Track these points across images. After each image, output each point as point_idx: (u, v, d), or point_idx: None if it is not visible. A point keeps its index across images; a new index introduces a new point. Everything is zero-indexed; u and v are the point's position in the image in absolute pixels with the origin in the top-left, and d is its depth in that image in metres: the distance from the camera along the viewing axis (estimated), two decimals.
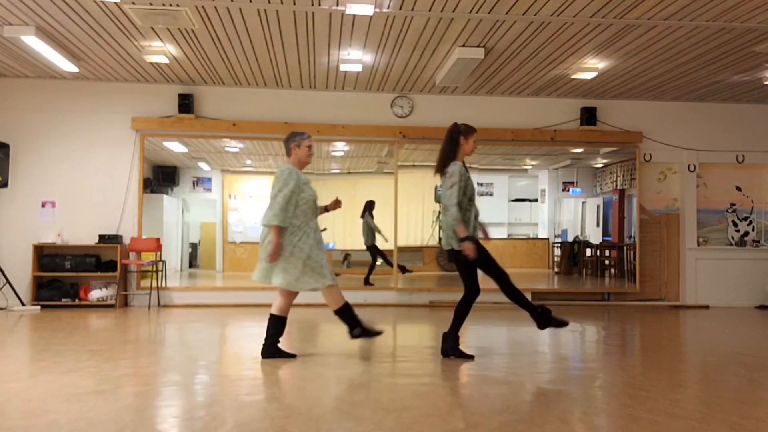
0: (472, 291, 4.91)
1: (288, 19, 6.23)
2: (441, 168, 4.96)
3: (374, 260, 10.23)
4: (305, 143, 4.88)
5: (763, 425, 3.23)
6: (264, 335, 4.86)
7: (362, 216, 10.54)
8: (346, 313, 4.88)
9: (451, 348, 4.94)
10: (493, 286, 5.00)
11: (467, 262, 4.83)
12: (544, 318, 4.91)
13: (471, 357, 4.94)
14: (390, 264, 9.69)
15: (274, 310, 4.85)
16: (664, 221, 9.48)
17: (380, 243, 10.30)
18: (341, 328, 5.03)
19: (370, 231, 10.44)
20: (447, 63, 7.42)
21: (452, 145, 4.94)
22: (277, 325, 4.85)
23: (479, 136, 9.56)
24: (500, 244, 14.11)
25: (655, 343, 6.14)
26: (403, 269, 9.99)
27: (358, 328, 4.90)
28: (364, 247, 10.53)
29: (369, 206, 10.51)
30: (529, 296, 9.09)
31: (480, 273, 4.93)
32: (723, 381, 4.31)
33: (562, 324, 4.94)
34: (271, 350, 4.83)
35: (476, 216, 4.92)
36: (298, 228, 4.72)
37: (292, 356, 4.87)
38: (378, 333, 5.00)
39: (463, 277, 4.93)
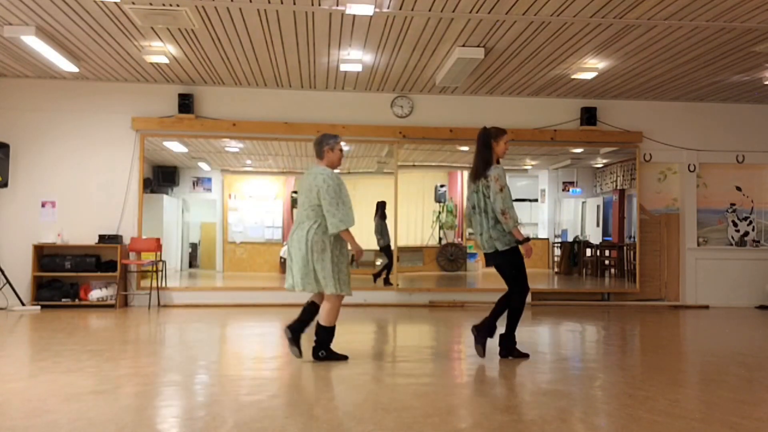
0: (525, 288, 4.96)
1: (288, 19, 6.23)
2: (479, 173, 4.96)
3: (390, 260, 10.19)
4: (338, 146, 4.90)
5: (763, 425, 3.24)
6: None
7: (375, 217, 10.51)
8: (330, 333, 4.82)
9: (510, 348, 4.99)
10: (487, 286, 5.02)
11: (514, 261, 4.90)
12: (509, 348, 5.02)
13: (526, 356, 5.02)
14: (390, 269, 9.77)
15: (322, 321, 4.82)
16: (664, 221, 9.48)
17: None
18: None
19: (384, 231, 10.41)
20: (447, 63, 7.42)
21: (486, 149, 4.96)
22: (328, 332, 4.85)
23: None
24: None
25: (655, 343, 6.14)
26: (386, 281, 10.03)
27: (325, 352, 4.81)
28: (374, 248, 10.52)
29: (381, 207, 10.50)
30: (529, 296, 9.15)
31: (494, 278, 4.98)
32: (723, 381, 4.31)
33: (524, 356, 5.04)
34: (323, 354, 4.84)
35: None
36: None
37: (344, 358, 4.86)
38: (344, 358, 4.87)
39: (513, 277, 4.94)
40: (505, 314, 4.98)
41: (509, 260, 4.91)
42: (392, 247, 9.28)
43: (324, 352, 4.80)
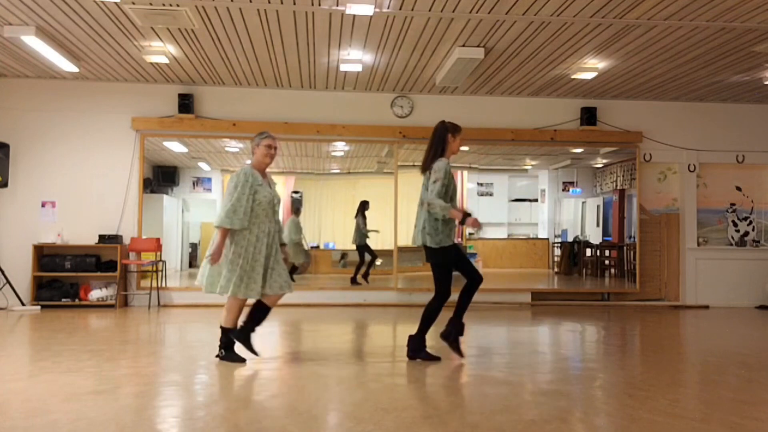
0: (444, 293, 4.85)
1: (288, 19, 6.23)
2: (428, 165, 4.90)
3: (362, 260, 10.36)
4: (263, 143, 4.78)
5: (763, 425, 3.23)
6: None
7: (356, 216, 10.63)
8: (230, 334, 4.76)
9: (417, 350, 4.90)
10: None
11: (439, 262, 4.82)
12: (417, 349, 4.91)
13: (437, 359, 4.89)
14: (361, 269, 10.10)
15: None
16: (664, 221, 9.48)
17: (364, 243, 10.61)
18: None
19: (359, 231, 10.57)
20: (447, 63, 7.42)
21: (440, 142, 4.89)
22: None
23: (479, 136, 9.56)
24: (500, 244, 14.12)
25: (655, 343, 6.14)
26: (353, 279, 10.20)
27: (224, 351, 4.76)
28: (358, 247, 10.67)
29: (362, 206, 10.60)
30: (528, 296, 9.19)
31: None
32: (723, 381, 4.31)
33: (435, 359, 4.88)
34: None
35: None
36: (248, 231, 4.65)
37: (256, 354, 4.79)
38: (242, 360, 4.74)
39: (437, 277, 4.84)
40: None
41: (435, 261, 4.83)
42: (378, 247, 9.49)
43: (223, 352, 4.76)
